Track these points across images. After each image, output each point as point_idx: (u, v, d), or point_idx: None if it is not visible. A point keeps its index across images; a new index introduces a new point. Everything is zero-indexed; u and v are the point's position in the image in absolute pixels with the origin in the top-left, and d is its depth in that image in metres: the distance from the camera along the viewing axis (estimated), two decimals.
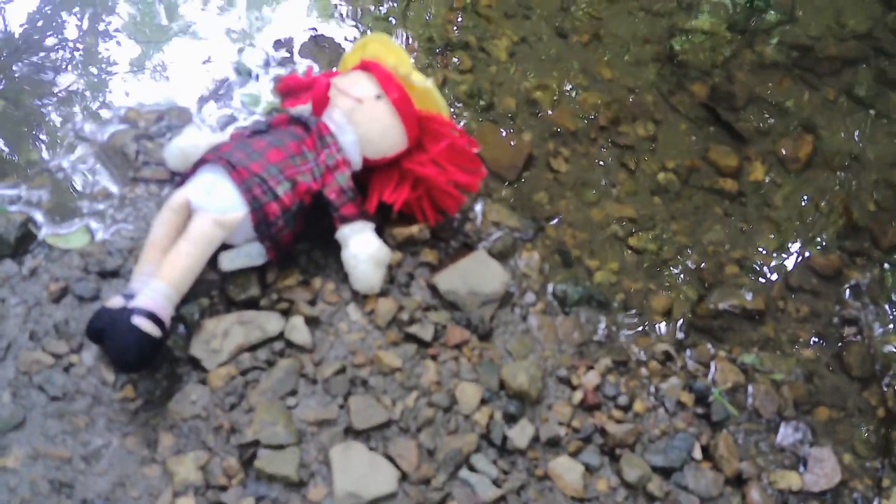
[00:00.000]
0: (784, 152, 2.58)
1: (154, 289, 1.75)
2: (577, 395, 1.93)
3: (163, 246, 1.84)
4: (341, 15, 2.68)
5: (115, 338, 1.70)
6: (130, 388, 1.76)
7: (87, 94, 2.32)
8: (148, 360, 1.75)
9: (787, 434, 1.99)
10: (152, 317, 1.71)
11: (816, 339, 2.20)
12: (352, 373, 1.85)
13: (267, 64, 2.48)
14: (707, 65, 2.78)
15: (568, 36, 2.78)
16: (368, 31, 2.63)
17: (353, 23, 2.66)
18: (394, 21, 2.69)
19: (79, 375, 1.77)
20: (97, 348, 1.79)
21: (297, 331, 1.88)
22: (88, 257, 1.95)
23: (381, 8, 2.73)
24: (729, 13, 2.99)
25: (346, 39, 2.59)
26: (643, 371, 2.03)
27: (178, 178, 2.04)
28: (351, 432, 1.77)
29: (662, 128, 2.59)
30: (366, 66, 2.08)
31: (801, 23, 2.99)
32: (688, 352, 2.09)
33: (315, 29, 2.60)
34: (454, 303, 2.02)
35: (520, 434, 1.84)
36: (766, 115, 2.68)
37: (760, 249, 2.35)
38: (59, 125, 2.23)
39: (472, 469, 1.77)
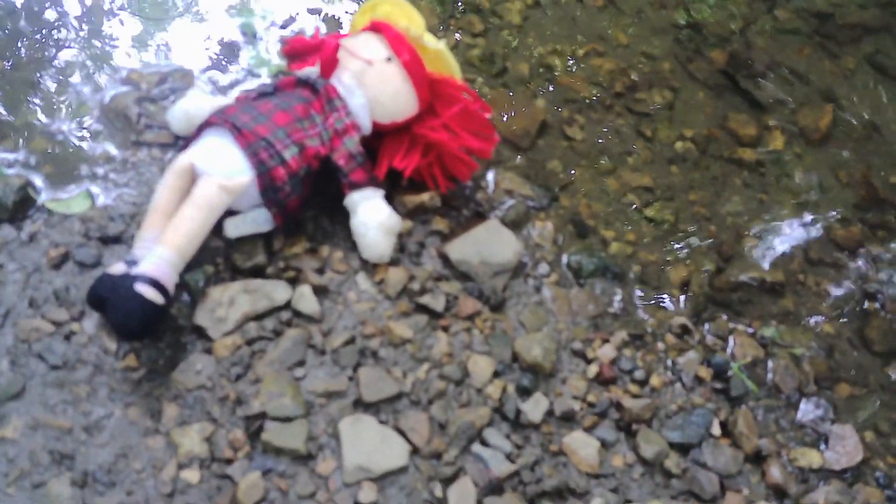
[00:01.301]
0: (804, 122, 2.50)
1: (157, 255, 1.70)
2: (593, 369, 1.88)
3: (166, 211, 1.78)
4: None
5: (117, 305, 1.65)
6: (133, 357, 1.71)
7: (89, 55, 2.24)
8: (151, 329, 1.70)
9: (807, 410, 1.94)
10: (156, 284, 1.66)
11: (837, 313, 2.13)
12: (361, 344, 1.80)
13: (273, 25, 2.41)
14: (725, 31, 2.70)
15: (583, 0, 2.69)
16: None
17: None
18: None
19: (80, 344, 1.71)
20: (99, 316, 1.74)
21: (305, 300, 1.82)
22: (89, 223, 1.89)
23: None
24: None
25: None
26: (660, 345, 1.97)
27: (182, 142, 1.97)
28: (360, 405, 1.72)
29: (680, 95, 2.51)
30: (376, 27, 2.00)
31: None
32: (706, 325, 2.04)
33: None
34: (466, 273, 1.96)
35: (533, 408, 1.78)
36: (786, 84, 2.60)
37: (780, 221, 2.29)
38: (58, 87, 2.15)
39: (484, 443, 1.72)
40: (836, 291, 2.17)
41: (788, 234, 2.26)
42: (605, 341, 1.93)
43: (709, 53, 2.63)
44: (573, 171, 2.26)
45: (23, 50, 2.22)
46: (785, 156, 2.43)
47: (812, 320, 2.11)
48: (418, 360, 1.81)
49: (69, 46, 2.26)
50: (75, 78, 2.18)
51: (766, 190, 2.34)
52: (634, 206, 2.23)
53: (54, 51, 2.24)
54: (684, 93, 2.52)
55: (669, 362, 1.95)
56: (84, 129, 2.07)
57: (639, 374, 1.89)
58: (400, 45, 1.95)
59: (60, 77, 2.18)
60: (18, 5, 2.31)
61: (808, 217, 2.31)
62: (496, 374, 1.83)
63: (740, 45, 2.67)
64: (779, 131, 2.47)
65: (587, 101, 2.43)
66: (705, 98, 2.53)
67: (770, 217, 2.29)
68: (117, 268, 1.72)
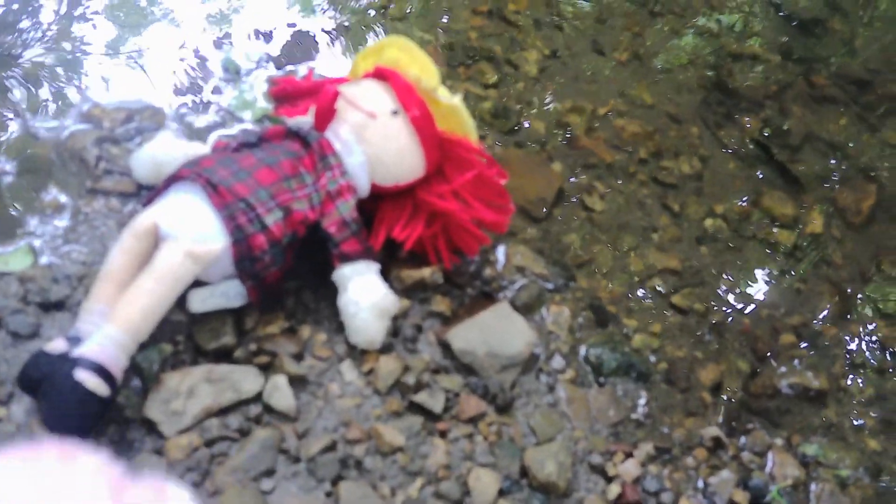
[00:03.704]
0: (843, 202, 2.27)
1: (105, 335, 1.42)
2: (614, 490, 1.61)
3: (120, 279, 1.50)
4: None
5: (52, 394, 1.37)
6: None
7: (43, 83, 1.95)
8: (91, 426, 1.40)
9: None
10: (100, 370, 1.38)
11: (882, 426, 1.88)
12: (343, 451, 1.51)
13: (259, 62, 2.13)
14: (759, 95, 2.47)
15: (605, 53, 2.45)
16: (381, 34, 2.28)
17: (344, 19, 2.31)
18: (404, 22, 2.35)
19: (6, 434, 1.41)
20: (31, 401, 1.44)
21: (279, 393, 1.54)
22: (29, 283, 1.60)
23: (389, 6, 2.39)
24: (782, 38, 2.68)
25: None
26: (689, 460, 1.71)
27: (146, 194, 1.69)
28: None
29: (709, 165, 2.28)
30: (382, 75, 1.74)
31: (859, 53, 2.69)
32: (741, 439, 1.78)
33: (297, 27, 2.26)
34: (469, 365, 1.68)
35: None
36: (823, 157, 2.37)
37: (820, 316, 2.04)
38: (2, 119, 1.86)
39: None
40: (882, 401, 1.92)
41: (829, 333, 2.01)
42: (629, 455, 1.66)
43: (740, 119, 2.39)
44: (592, 248, 2.00)
45: None
46: (824, 239, 2.19)
47: (856, 434, 1.85)
48: (410, 473, 1.52)
49: (19, 68, 1.96)
50: (26, 110, 1.89)
51: (804, 278, 2.10)
52: (660, 291, 1.97)
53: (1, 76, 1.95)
54: (714, 162, 2.29)
55: (700, 483, 1.68)
56: (31, 170, 1.78)
57: (666, 498, 1.62)
58: (409, 98, 1.69)
59: (7, 107, 1.88)
60: None
61: (851, 313, 2.06)
62: (501, 493, 1.54)
63: (774, 111, 2.44)
64: (817, 211, 2.24)
65: (609, 166, 2.18)
66: (736, 169, 2.29)
67: (808, 310, 2.04)
68: (57, 345, 1.44)
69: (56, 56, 2.01)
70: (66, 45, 2.04)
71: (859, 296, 2.11)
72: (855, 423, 1.88)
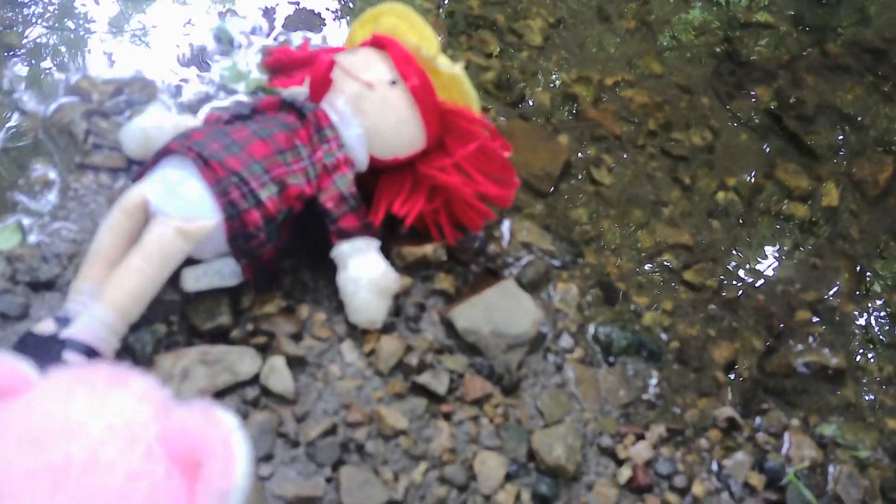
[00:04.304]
0: (860, 174, 2.19)
1: (94, 316, 1.35)
2: (625, 473, 1.54)
3: (110, 257, 1.44)
4: None
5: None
6: None
7: (29, 56, 1.88)
8: None
9: None
10: (90, 353, 1.32)
11: None
12: (344, 434, 1.45)
13: (253, 32, 2.05)
14: (771, 65, 2.38)
15: (612, 20, 2.37)
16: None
17: None
18: None
19: None
20: None
21: (277, 375, 1.47)
22: (17, 263, 1.53)
23: None
24: (792, 7, 2.59)
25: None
26: (703, 442, 1.64)
27: (136, 169, 1.62)
28: None
29: (721, 137, 2.19)
30: (379, 43, 1.66)
31: (873, 22, 2.60)
32: (756, 419, 1.71)
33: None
34: (474, 345, 1.62)
35: None
36: (837, 128, 2.29)
37: (836, 291, 1.97)
38: None
39: None
40: None
41: (846, 309, 1.94)
42: (640, 437, 1.60)
43: (752, 89, 2.31)
44: (600, 223, 1.93)
45: None
46: (840, 213, 2.11)
47: (874, 415, 1.79)
48: (414, 457, 1.46)
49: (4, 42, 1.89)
50: (10, 84, 1.81)
51: (819, 253, 2.03)
52: (671, 267, 1.90)
53: None
54: (725, 134, 2.21)
55: (715, 465, 1.62)
56: (18, 145, 1.71)
57: (679, 481, 1.56)
58: (408, 67, 1.61)
59: None
60: None
61: (869, 288, 1.99)
62: (508, 477, 1.48)
63: (786, 81, 2.36)
64: (832, 183, 2.16)
65: (617, 139, 2.10)
66: (749, 141, 2.21)
67: (824, 286, 1.97)
68: (45, 326, 1.38)
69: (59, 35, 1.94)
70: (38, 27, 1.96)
71: (877, 271, 2.04)
72: (873, 402, 1.81)
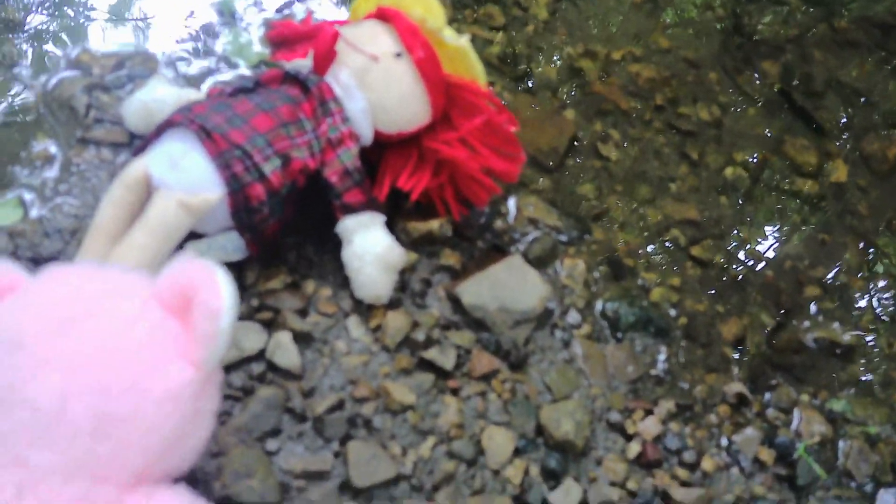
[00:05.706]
0: (869, 150, 2.17)
1: None
2: (634, 448, 1.53)
3: (112, 232, 1.41)
4: None
5: None
6: None
7: (28, 28, 1.85)
8: None
9: (886, 502, 1.60)
10: None
11: None
12: (351, 409, 1.44)
13: (257, 4, 2.03)
14: (779, 39, 2.35)
15: None
16: None
17: None
18: None
19: None
20: None
21: (283, 350, 1.46)
22: (19, 238, 1.51)
23: None
24: None
25: None
26: (712, 417, 1.63)
27: (138, 143, 1.59)
28: (348, 490, 1.36)
29: (729, 112, 2.17)
30: (384, 15, 1.64)
31: None
32: (766, 395, 1.70)
33: None
34: (481, 320, 1.60)
35: (564, 498, 1.43)
36: (846, 104, 2.27)
37: (844, 267, 1.95)
38: None
39: None
40: None
41: (855, 285, 1.92)
42: (648, 412, 1.59)
43: (760, 64, 2.28)
44: (607, 198, 1.91)
45: None
46: (848, 189, 2.09)
47: (885, 391, 1.77)
48: (421, 432, 1.45)
49: (7, 19, 1.87)
50: (11, 57, 1.79)
51: (828, 229, 2.01)
52: (679, 243, 1.89)
53: None
54: (733, 109, 2.18)
55: (724, 440, 1.60)
56: (18, 120, 1.69)
57: (688, 456, 1.55)
58: (413, 39, 1.58)
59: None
60: None
61: (878, 265, 1.97)
62: (516, 452, 1.47)
63: (795, 56, 2.33)
64: (841, 159, 2.14)
65: (624, 113, 2.07)
66: (757, 116, 2.18)
67: (833, 262, 1.95)
68: None
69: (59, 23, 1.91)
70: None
71: (881, 248, 2.02)
72: (883, 378, 1.80)
